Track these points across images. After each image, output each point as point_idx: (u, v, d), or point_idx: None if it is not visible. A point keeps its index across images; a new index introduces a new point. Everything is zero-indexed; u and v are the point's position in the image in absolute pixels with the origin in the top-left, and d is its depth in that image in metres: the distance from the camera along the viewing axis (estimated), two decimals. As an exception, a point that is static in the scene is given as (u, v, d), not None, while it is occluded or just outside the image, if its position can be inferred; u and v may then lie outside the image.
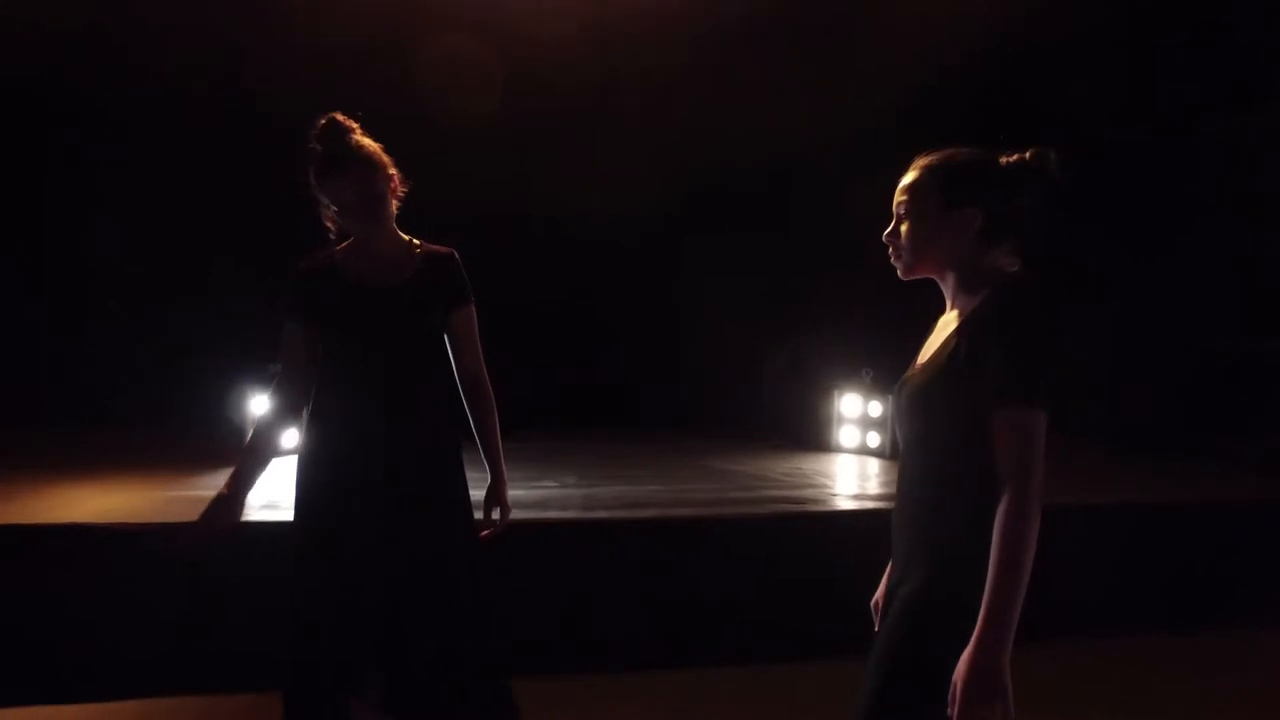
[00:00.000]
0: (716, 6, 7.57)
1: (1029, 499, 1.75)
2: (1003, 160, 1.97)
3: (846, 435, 7.13)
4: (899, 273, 2.05)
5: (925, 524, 1.93)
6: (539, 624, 4.14)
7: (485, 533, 2.89)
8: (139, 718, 3.75)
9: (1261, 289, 7.29)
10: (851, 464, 6.63)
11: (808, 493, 5.36)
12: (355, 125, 2.76)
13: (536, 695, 2.97)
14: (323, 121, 2.73)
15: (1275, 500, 5.42)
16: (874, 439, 6.89)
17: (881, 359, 6.71)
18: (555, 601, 4.27)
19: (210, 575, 3.82)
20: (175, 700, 3.84)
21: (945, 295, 2.03)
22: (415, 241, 2.88)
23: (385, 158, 2.77)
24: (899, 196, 2.02)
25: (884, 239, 2.05)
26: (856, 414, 7.06)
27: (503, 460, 2.95)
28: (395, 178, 2.80)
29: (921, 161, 2.02)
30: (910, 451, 2.00)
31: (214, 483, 5.12)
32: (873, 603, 2.18)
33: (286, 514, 2.76)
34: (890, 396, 6.36)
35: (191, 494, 4.79)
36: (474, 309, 2.91)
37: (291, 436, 5.15)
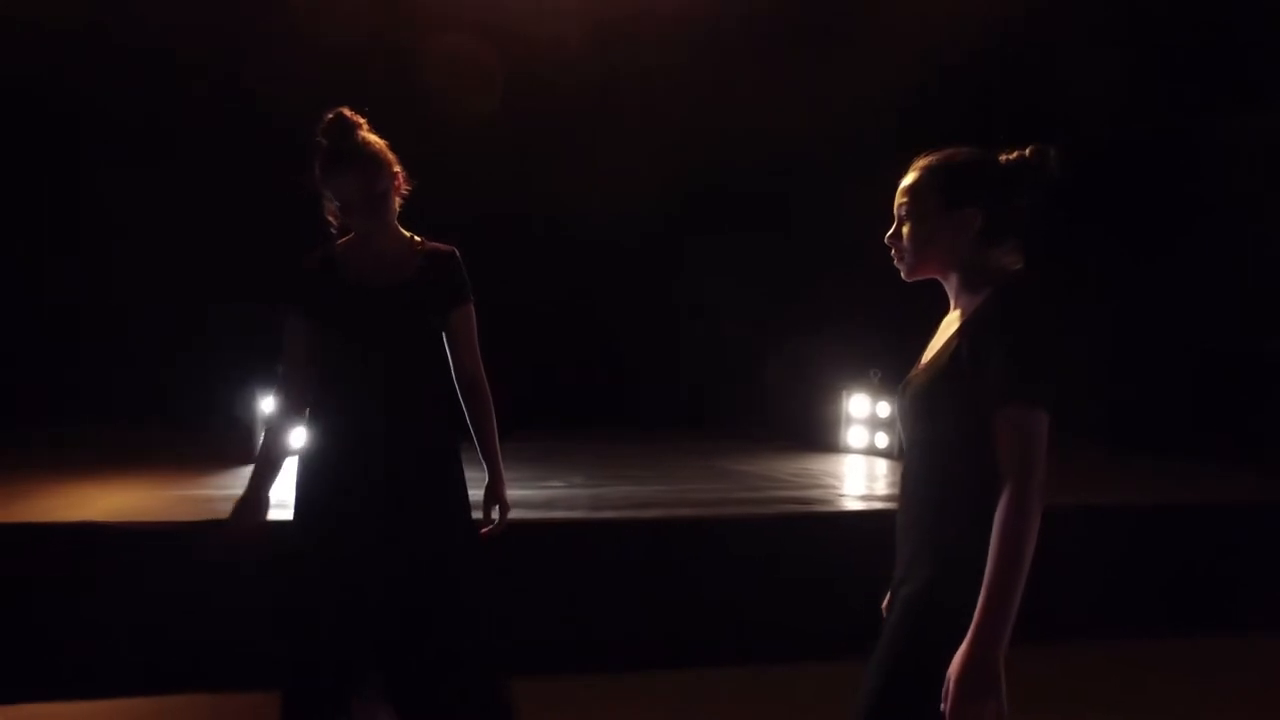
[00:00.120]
0: (716, 7, 7.57)
1: (1029, 496, 1.75)
2: (1002, 159, 1.96)
3: (855, 436, 7.13)
4: (902, 274, 2.04)
5: (929, 524, 1.92)
6: (541, 623, 4.14)
7: (485, 530, 2.89)
8: (144, 715, 3.75)
9: (1261, 289, 7.29)
10: (859, 465, 6.64)
11: (814, 493, 5.36)
12: (362, 121, 2.75)
13: (536, 695, 2.96)
14: (330, 116, 2.72)
15: (1275, 500, 5.42)
16: (882, 439, 6.89)
17: (889, 359, 6.71)
18: (559, 601, 4.26)
19: (210, 575, 3.83)
20: (182, 698, 3.85)
21: (949, 295, 2.03)
22: (417, 239, 2.87)
23: (390, 155, 2.76)
24: (899, 198, 2.02)
25: (886, 241, 2.05)
26: (865, 414, 7.07)
27: (500, 459, 2.94)
28: (400, 176, 2.79)
29: (921, 162, 2.01)
30: (913, 452, 1.99)
31: (221, 482, 5.17)
32: (883, 606, 2.18)
33: (287, 513, 2.76)
34: (896, 397, 6.36)
35: (199, 493, 4.80)
36: (473, 308, 2.91)
37: (300, 435, 5.15)
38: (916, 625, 1.88)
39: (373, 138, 2.75)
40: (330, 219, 2.82)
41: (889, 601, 2.11)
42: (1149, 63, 7.21)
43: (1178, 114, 7.51)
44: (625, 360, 7.92)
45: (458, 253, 2.89)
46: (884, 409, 6.85)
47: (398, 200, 2.80)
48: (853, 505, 5.07)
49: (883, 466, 6.47)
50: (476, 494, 2.91)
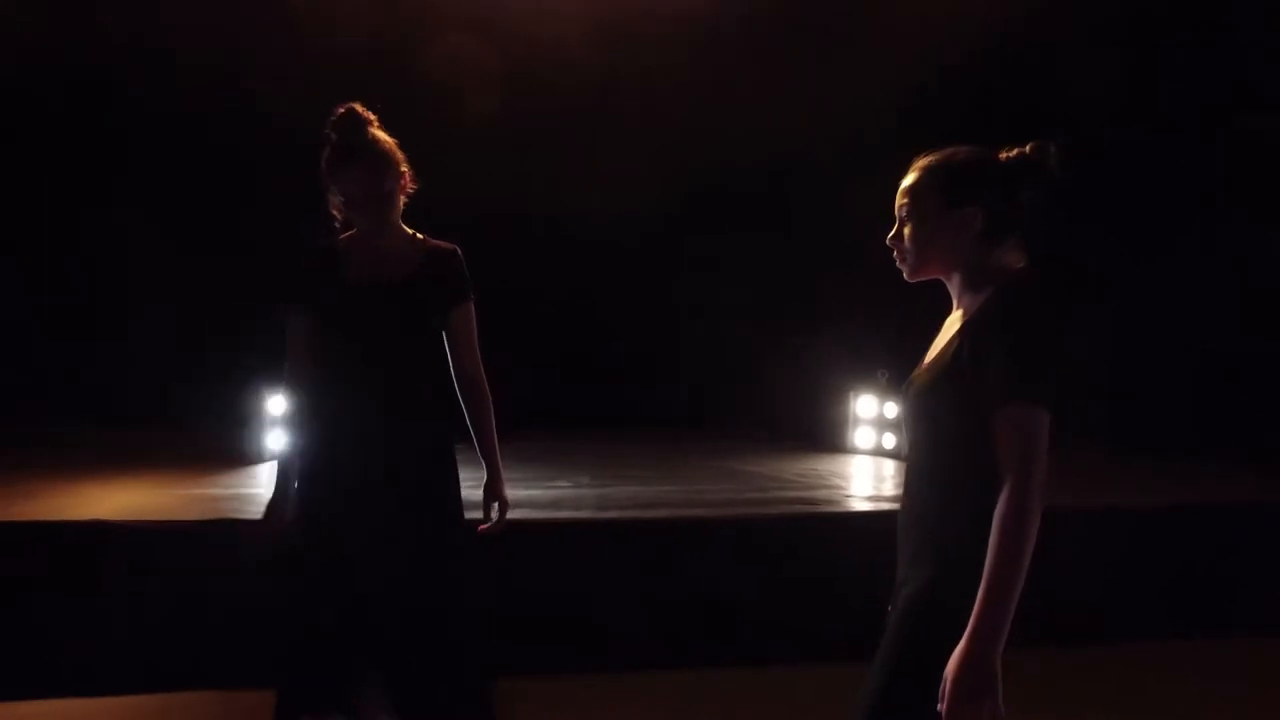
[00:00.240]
0: (716, 7, 7.57)
1: (1029, 495, 1.75)
2: (1002, 156, 1.96)
3: (862, 436, 7.12)
4: (905, 275, 2.03)
5: (930, 524, 1.92)
6: (543, 624, 4.13)
7: (483, 527, 2.88)
8: (147, 713, 3.76)
9: (1261, 289, 7.28)
10: (867, 465, 6.63)
11: (821, 494, 5.36)
12: (374, 118, 2.74)
13: (536, 695, 2.96)
14: (341, 110, 2.72)
15: (1275, 500, 5.42)
16: (889, 440, 6.87)
17: (890, 359, 6.70)
18: (563, 601, 4.26)
19: (211, 575, 3.83)
20: (185, 695, 3.85)
21: (951, 295, 2.03)
22: (419, 236, 2.87)
23: (399, 154, 2.76)
24: (900, 199, 2.01)
25: (888, 243, 2.04)
26: (872, 415, 7.05)
27: (499, 457, 2.94)
28: (406, 175, 2.79)
29: (921, 162, 2.01)
30: (916, 451, 1.99)
31: (228, 481, 5.17)
32: (889, 609, 2.17)
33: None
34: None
35: (207, 492, 4.79)
36: (473, 307, 2.90)
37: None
38: (917, 625, 1.88)
39: (383, 135, 2.74)
40: (334, 213, 2.82)
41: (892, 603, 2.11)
42: (1149, 63, 7.20)
43: (1178, 114, 7.50)
44: (625, 360, 7.91)
45: (459, 251, 2.88)
46: (891, 410, 6.83)
47: (403, 199, 2.80)
48: (860, 506, 5.06)
49: (890, 467, 6.46)
50: (476, 494, 2.91)
